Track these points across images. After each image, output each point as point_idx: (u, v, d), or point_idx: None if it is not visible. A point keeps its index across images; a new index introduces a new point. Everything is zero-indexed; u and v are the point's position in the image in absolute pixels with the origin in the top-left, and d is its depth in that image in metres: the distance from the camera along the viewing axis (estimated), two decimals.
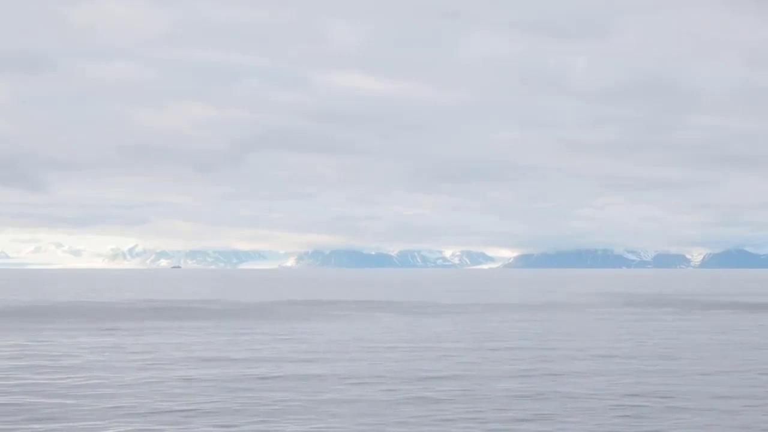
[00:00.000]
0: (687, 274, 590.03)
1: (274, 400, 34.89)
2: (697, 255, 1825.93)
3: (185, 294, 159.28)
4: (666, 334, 67.27)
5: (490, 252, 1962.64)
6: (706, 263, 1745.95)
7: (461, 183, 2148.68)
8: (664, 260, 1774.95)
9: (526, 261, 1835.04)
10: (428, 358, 49.64)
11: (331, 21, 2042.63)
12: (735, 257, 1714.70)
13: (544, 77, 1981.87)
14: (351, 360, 48.73)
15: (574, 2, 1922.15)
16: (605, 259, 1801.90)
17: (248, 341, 60.32)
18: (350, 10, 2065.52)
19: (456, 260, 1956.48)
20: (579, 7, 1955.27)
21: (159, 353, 52.13)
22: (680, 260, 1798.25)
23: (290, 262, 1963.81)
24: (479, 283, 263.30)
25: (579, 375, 42.50)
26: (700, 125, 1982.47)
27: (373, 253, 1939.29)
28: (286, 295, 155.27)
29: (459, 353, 52.67)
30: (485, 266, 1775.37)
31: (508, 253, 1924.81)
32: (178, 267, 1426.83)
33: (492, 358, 49.81)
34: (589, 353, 52.66)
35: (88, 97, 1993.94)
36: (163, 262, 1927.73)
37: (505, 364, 46.75)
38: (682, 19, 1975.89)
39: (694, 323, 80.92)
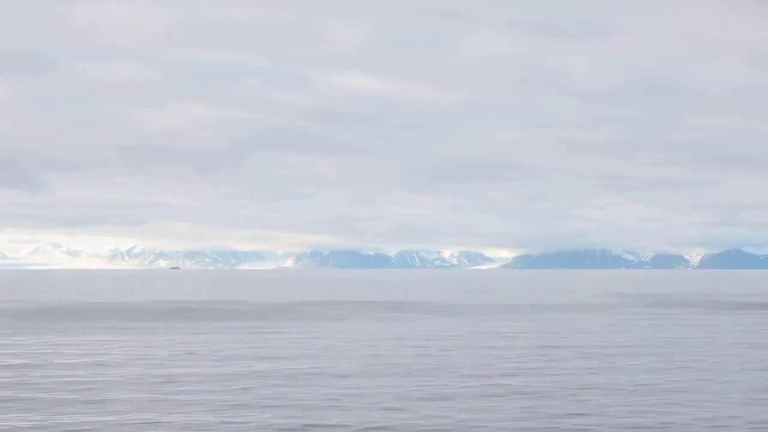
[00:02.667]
0: (688, 275, 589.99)
1: (354, 394, 35.16)
2: (695, 255, 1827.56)
3: (201, 294, 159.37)
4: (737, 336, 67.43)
5: (489, 252, 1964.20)
6: (704, 264, 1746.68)
7: (461, 183, 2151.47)
8: (663, 261, 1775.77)
9: (524, 261, 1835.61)
10: (501, 356, 49.82)
11: (331, 21, 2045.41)
12: (733, 258, 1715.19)
13: (544, 77, 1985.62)
14: (428, 356, 48.84)
15: (574, 2, 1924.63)
16: (604, 259, 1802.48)
17: (302, 339, 60.53)
18: (350, 10, 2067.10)
19: (454, 261, 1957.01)
20: (579, 7, 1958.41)
21: (217, 350, 52.21)
22: (679, 261, 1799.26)
23: (289, 263, 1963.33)
24: (488, 284, 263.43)
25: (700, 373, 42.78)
26: (700, 125, 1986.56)
27: (371, 253, 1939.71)
28: (306, 295, 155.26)
29: (531, 351, 52.87)
30: (483, 267, 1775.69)
31: (507, 254, 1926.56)
32: (177, 268, 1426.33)
33: (565, 356, 50.06)
34: (693, 354, 52.81)
35: (88, 97, 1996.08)
36: (162, 263, 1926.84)
37: (590, 360, 46.99)
38: (682, 19, 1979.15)
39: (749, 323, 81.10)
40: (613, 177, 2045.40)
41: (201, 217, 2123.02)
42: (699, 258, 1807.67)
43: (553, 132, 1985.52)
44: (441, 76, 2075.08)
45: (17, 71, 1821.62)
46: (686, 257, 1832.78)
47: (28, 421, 30.44)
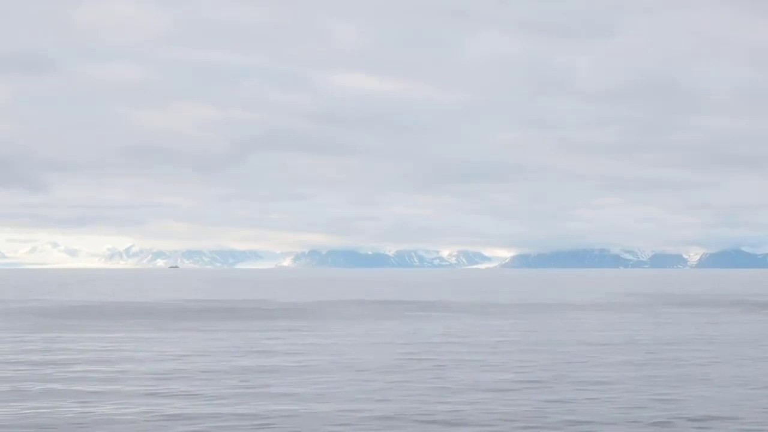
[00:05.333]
0: (687, 274, 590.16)
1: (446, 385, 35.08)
2: (693, 255, 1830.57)
3: (216, 294, 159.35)
4: None
5: (488, 252, 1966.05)
6: (702, 263, 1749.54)
7: (461, 183, 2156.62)
8: (661, 260, 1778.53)
9: (522, 261, 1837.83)
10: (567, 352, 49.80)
11: (332, 21, 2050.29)
12: (731, 257, 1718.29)
13: (548, 77, 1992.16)
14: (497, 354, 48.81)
15: (578, 2, 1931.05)
16: (602, 259, 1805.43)
17: (348, 336, 60.42)
18: (351, 11, 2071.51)
19: (453, 260, 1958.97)
20: (583, 7, 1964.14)
21: (277, 346, 52.15)
22: (677, 260, 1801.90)
23: (287, 262, 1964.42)
24: (496, 283, 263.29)
25: None
26: (700, 126, 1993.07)
27: (370, 253, 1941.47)
28: (321, 295, 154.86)
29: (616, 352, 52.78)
30: (482, 266, 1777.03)
31: (505, 253, 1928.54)
32: (176, 267, 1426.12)
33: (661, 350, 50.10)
34: None
35: (88, 98, 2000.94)
36: (160, 262, 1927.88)
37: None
38: (684, 19, 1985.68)
39: None
40: (613, 177, 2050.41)
41: (200, 218, 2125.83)
42: (697, 257, 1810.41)
43: (553, 132, 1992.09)
44: (443, 76, 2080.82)
45: (17, 71, 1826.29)
46: (684, 257, 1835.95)
47: (128, 408, 30.43)
